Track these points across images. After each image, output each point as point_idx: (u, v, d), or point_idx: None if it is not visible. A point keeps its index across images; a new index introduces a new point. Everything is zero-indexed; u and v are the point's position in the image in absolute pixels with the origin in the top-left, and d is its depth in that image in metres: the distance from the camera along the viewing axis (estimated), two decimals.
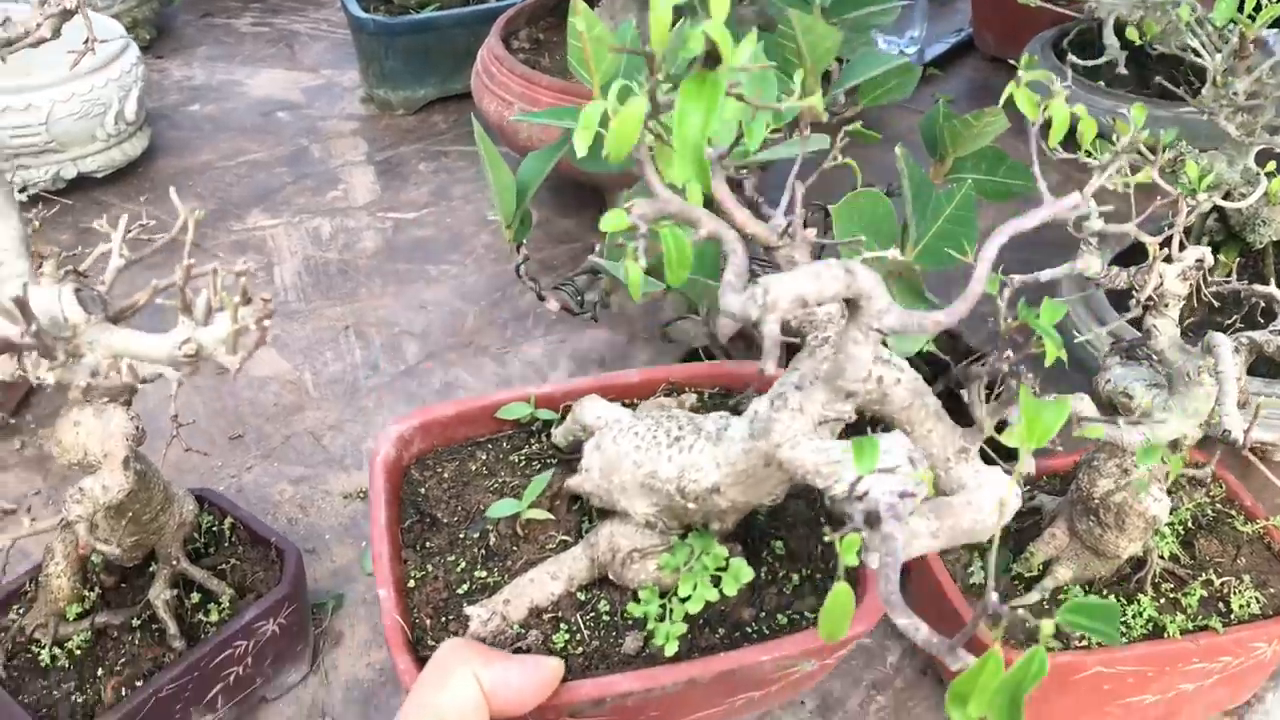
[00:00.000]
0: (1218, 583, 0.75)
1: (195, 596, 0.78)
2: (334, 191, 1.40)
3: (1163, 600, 0.75)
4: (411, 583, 0.55)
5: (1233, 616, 0.74)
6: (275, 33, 1.79)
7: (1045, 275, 0.66)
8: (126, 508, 0.73)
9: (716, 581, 0.52)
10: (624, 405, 0.61)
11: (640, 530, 0.52)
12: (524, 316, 1.19)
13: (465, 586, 0.54)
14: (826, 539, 0.45)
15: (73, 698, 0.73)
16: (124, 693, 0.73)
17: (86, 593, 0.76)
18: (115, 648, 0.75)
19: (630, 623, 0.53)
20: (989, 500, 0.45)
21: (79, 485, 0.68)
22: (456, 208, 1.33)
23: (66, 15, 0.66)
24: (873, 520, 0.38)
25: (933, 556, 0.77)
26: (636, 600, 0.52)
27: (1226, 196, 0.91)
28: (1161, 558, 0.76)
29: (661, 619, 0.52)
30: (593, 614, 0.53)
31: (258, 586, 0.80)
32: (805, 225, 0.78)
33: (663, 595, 0.52)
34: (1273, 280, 0.98)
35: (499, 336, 1.16)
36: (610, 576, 0.53)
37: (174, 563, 0.77)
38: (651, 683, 0.50)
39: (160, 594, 0.76)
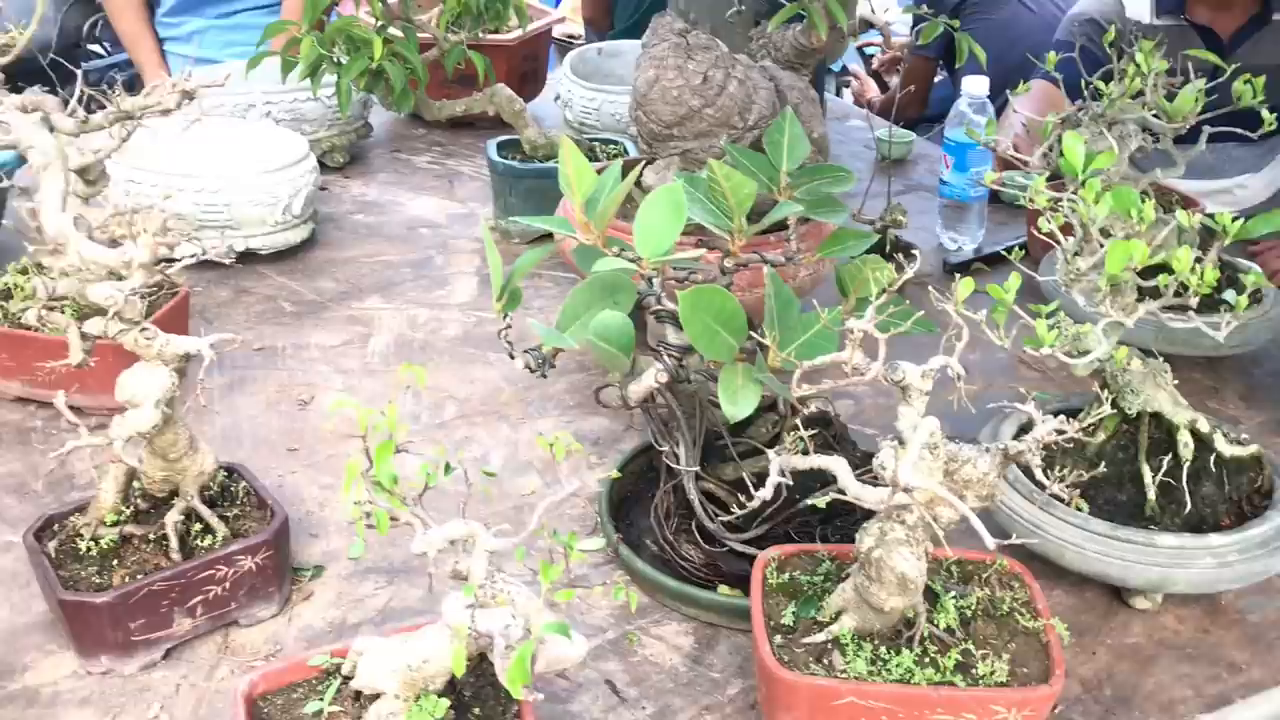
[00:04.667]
0: (977, 654, 0.89)
1: (199, 528, 1.04)
2: (440, 291, 1.70)
3: (926, 658, 0.89)
4: None
5: (980, 681, 0.87)
6: (444, 170, 2.16)
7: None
8: (157, 443, 1.00)
9: None
10: None
11: (395, 700, 0.80)
12: (548, 400, 1.43)
13: None
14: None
15: (93, 578, 0.99)
16: (127, 580, 0.99)
17: (124, 509, 1.03)
18: (132, 551, 1.02)
19: None
20: (561, 649, 0.78)
21: (123, 414, 0.96)
22: (529, 315, 1.59)
23: (187, 96, 0.96)
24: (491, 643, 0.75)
25: (757, 599, 0.95)
26: None
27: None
28: (934, 625, 0.91)
29: None
30: None
31: (249, 534, 1.05)
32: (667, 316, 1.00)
33: None
34: (1143, 450, 1.11)
35: (522, 411, 1.40)
36: None
37: (189, 498, 1.03)
38: None
39: (172, 518, 1.02)
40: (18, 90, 0.98)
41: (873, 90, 3.37)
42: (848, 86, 3.61)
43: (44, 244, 0.72)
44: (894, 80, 3.38)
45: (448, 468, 0.93)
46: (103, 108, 0.98)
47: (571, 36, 3.47)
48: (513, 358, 1.12)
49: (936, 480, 0.83)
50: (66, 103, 0.97)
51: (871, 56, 3.57)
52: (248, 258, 1.70)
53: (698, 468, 1.11)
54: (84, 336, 0.95)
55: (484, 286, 1.73)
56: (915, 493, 0.81)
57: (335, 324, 1.60)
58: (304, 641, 1.05)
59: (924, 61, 2.98)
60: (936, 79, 3.20)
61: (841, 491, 0.83)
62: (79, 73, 1.03)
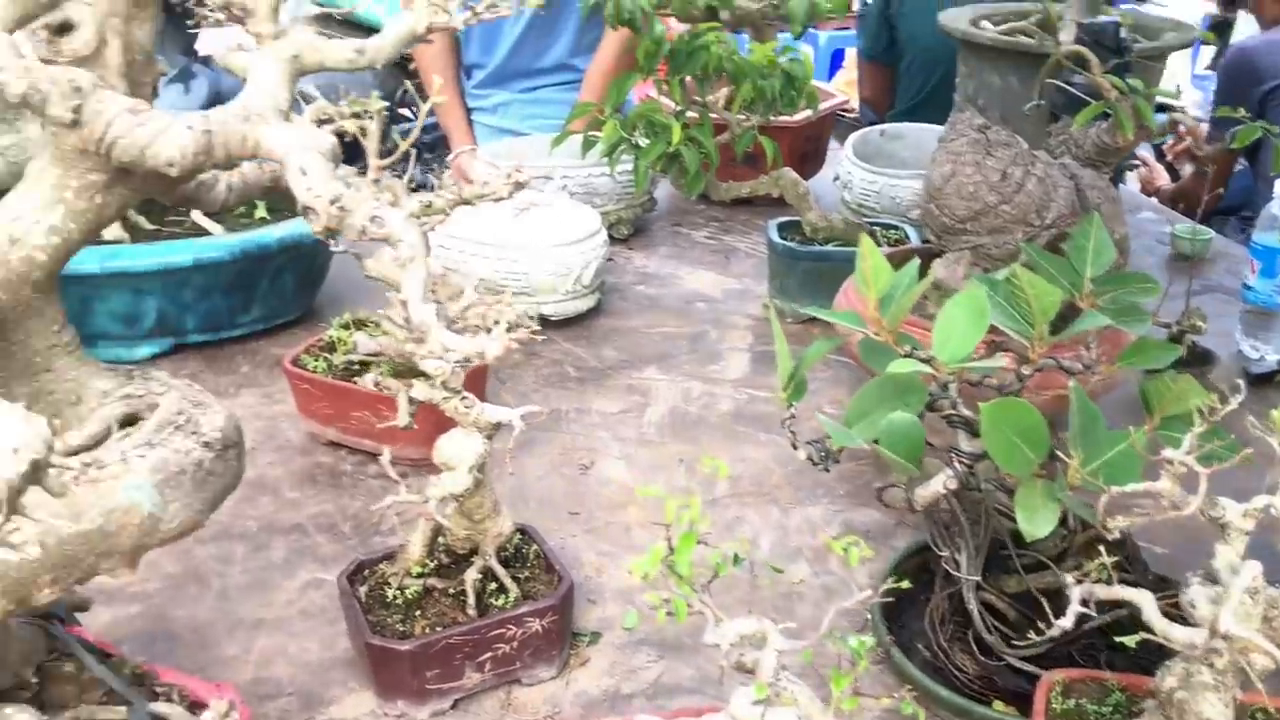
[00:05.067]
0: None
1: (493, 586, 1.10)
2: (714, 366, 1.74)
3: None
4: None
5: None
6: (720, 245, 2.22)
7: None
8: (466, 504, 1.07)
9: None
10: None
11: None
12: (818, 486, 1.44)
13: None
14: None
15: (397, 625, 1.07)
16: (427, 631, 1.06)
17: (428, 562, 1.11)
18: (433, 603, 1.09)
19: None
20: None
21: (439, 476, 1.04)
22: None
23: (518, 185, 1.04)
24: None
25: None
26: None
27: None
28: None
29: None
30: None
31: (537, 596, 1.11)
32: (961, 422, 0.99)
33: None
34: None
35: (793, 495, 1.42)
36: None
37: (487, 558, 1.10)
38: None
39: (471, 576, 1.09)
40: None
41: (1162, 178, 3.23)
42: (1132, 170, 3.47)
43: (410, 330, 0.80)
44: (1185, 168, 3.22)
45: (736, 559, 0.95)
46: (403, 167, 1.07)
47: (845, 110, 3.48)
48: (795, 448, 1.13)
49: (1254, 627, 0.79)
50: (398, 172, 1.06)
51: (1162, 143, 3.42)
52: (538, 323, 1.78)
53: (979, 577, 1.09)
54: (410, 400, 1.04)
55: (756, 364, 1.76)
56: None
57: (615, 392, 1.66)
58: (580, 707, 1.09)
59: (1225, 152, 2.83)
60: (1236, 168, 3.03)
61: (1148, 628, 0.80)
62: (413, 152, 1.13)
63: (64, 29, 0.90)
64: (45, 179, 0.84)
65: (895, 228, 1.94)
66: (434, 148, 3.13)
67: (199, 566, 1.26)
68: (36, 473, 0.62)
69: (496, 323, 0.87)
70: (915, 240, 1.87)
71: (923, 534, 1.23)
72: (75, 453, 0.83)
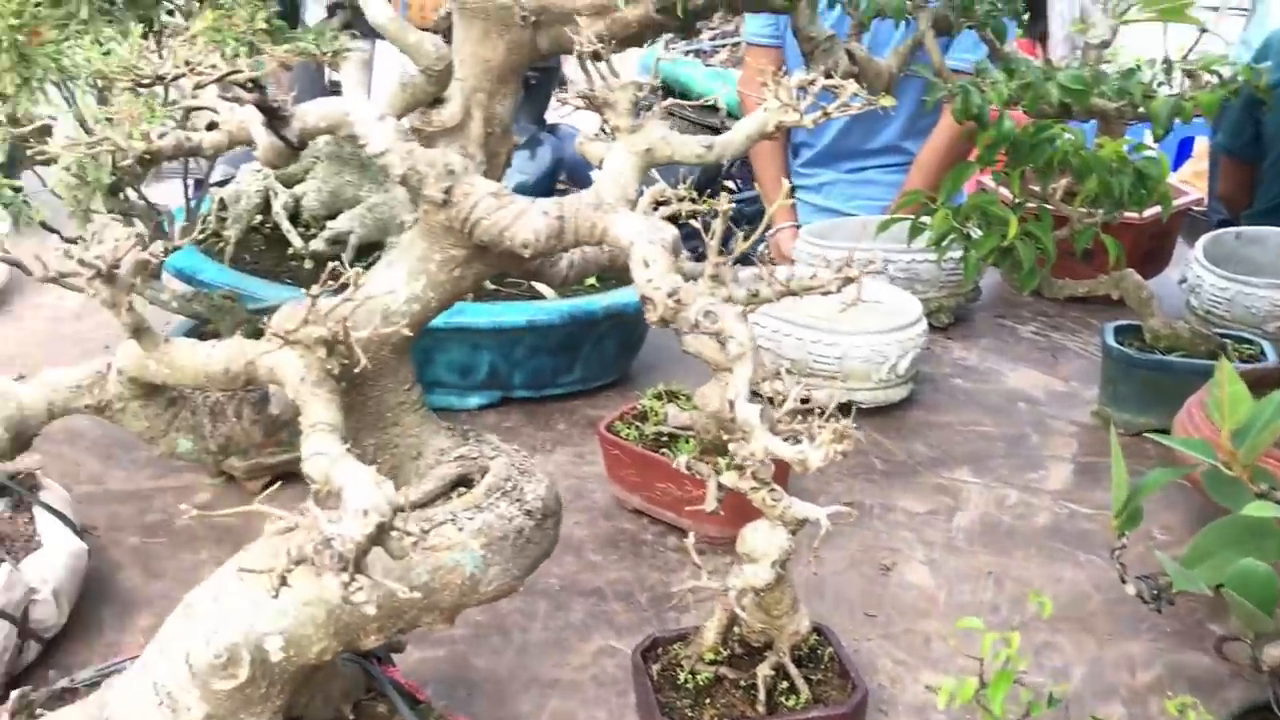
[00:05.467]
0: None
1: (784, 685, 1.08)
2: (1032, 474, 1.65)
3: None
4: None
5: None
6: (1048, 343, 2.11)
7: None
8: (765, 599, 1.06)
9: None
10: None
11: None
12: (1140, 620, 1.32)
13: None
14: None
15: (686, 710, 1.06)
16: None
17: (721, 650, 1.10)
18: (723, 693, 1.08)
19: None
20: None
21: (742, 566, 1.03)
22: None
23: (848, 280, 1.02)
24: None
25: None
26: None
27: None
28: None
29: None
30: None
31: (829, 702, 1.07)
32: None
33: None
34: None
35: (1111, 626, 1.32)
36: None
37: (780, 654, 1.08)
38: None
39: (764, 671, 1.07)
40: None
41: None
42: None
43: (730, 428, 0.81)
44: None
45: (1052, 699, 0.89)
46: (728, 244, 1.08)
47: (1196, 205, 3.26)
48: (1124, 581, 1.05)
49: None
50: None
51: None
52: (845, 409, 1.76)
53: None
54: (719, 486, 1.04)
55: (1080, 476, 1.65)
56: None
57: (923, 490, 1.61)
58: None
59: None
60: None
61: None
62: (739, 234, 1.14)
63: (435, 102, 0.98)
64: (413, 251, 0.90)
65: (1250, 342, 1.78)
66: (754, 220, 3.18)
67: (504, 619, 1.31)
68: (381, 535, 0.65)
69: (821, 427, 0.85)
70: (1272, 358, 1.71)
71: (1261, 690, 1.11)
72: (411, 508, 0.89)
